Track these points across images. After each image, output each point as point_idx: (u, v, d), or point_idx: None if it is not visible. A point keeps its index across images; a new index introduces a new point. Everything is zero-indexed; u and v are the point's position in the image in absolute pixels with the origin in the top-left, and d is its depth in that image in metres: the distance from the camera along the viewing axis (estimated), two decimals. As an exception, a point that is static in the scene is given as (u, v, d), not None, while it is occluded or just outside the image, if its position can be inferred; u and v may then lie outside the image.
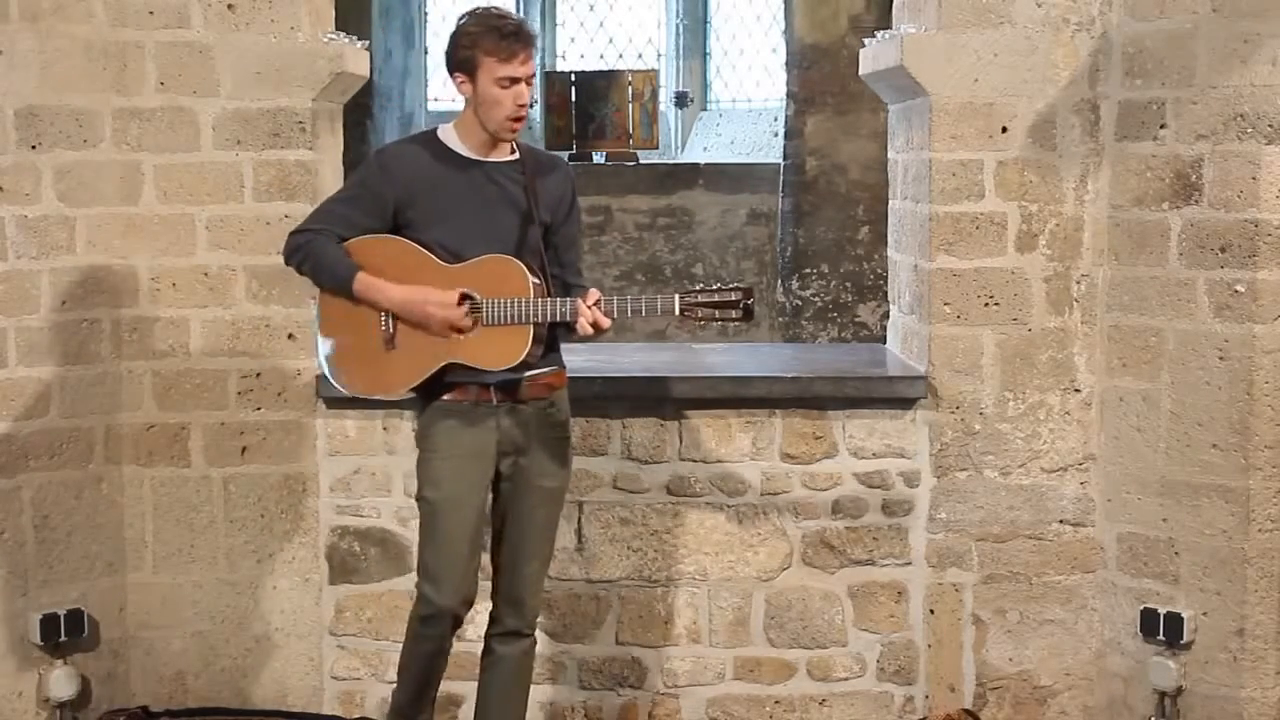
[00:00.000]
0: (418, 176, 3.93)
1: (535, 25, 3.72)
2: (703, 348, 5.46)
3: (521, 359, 3.87)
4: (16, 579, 4.66)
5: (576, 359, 5.15)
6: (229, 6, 4.74)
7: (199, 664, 4.94)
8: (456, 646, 4.59)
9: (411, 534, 4.51)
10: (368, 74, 5.00)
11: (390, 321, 3.90)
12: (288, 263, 4.00)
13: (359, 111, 8.91)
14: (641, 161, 10.84)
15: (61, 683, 4.70)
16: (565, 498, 4.17)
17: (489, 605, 4.14)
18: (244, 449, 4.87)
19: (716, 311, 3.80)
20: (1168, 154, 4.53)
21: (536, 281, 3.88)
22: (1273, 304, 4.41)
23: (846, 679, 4.88)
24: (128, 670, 4.92)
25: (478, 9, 3.97)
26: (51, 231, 4.67)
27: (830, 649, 4.87)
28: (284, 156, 4.78)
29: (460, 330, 3.84)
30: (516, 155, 3.99)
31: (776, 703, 4.88)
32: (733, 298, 3.78)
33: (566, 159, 4.09)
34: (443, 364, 3.89)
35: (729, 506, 4.85)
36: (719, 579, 4.87)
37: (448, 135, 3.99)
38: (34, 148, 4.62)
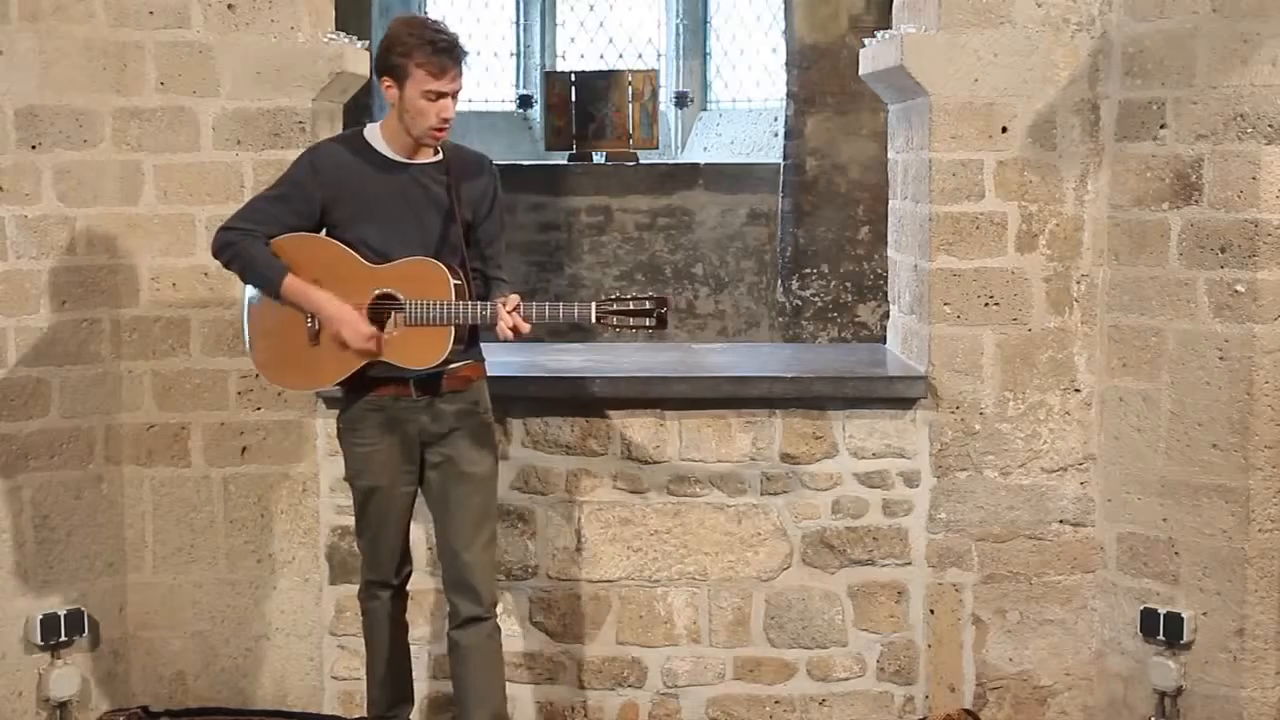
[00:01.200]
0: (346, 178, 4.03)
1: (467, 44, 3.83)
2: (702, 348, 5.45)
3: (442, 359, 4.00)
4: (16, 579, 4.66)
5: (576, 359, 5.16)
6: (229, 6, 4.74)
7: (199, 664, 4.94)
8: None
9: (412, 535, 4.52)
10: (368, 74, 4.99)
11: (316, 320, 4.01)
12: (216, 258, 4.09)
13: (359, 111, 8.86)
14: (641, 161, 10.84)
15: (61, 683, 4.71)
16: (496, 484, 4.27)
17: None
18: (244, 449, 4.87)
19: (631, 319, 3.95)
20: (1168, 154, 4.53)
21: (458, 283, 3.99)
22: (1273, 304, 4.41)
23: (846, 679, 4.88)
24: (128, 670, 4.92)
25: (414, 17, 4.08)
26: (51, 231, 4.67)
27: (830, 649, 4.87)
28: (284, 156, 4.76)
29: (369, 353, 3.97)
30: (440, 156, 4.09)
31: (776, 703, 4.88)
32: (647, 306, 3.95)
33: (490, 160, 4.25)
34: (366, 362, 4.00)
35: (729, 506, 4.84)
36: (719, 579, 4.87)
37: (374, 137, 4.08)
38: (34, 148, 4.62)
